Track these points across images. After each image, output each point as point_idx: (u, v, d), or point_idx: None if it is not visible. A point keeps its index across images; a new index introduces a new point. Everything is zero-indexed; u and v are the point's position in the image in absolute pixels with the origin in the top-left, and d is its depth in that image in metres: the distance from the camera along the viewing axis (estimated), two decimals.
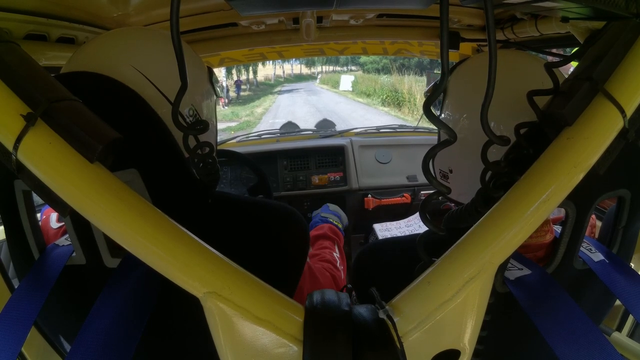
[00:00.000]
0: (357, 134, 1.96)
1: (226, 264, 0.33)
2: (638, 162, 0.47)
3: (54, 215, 0.63)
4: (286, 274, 0.62)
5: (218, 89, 0.70)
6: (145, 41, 0.58)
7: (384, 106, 12.84)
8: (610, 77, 0.37)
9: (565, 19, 0.64)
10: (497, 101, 0.42)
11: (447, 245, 0.36)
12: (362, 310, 0.34)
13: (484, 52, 1.22)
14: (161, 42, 0.58)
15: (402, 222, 1.56)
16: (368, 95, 15.05)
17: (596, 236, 0.62)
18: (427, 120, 0.36)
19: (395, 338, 0.31)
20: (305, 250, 0.65)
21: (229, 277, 0.32)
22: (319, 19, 1.13)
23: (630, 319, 0.84)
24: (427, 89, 0.94)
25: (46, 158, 0.31)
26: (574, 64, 0.48)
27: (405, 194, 1.71)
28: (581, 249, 0.49)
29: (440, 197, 0.40)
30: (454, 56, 1.32)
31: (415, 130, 2.05)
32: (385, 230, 1.51)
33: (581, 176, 0.35)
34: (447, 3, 0.31)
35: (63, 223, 0.61)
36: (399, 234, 1.48)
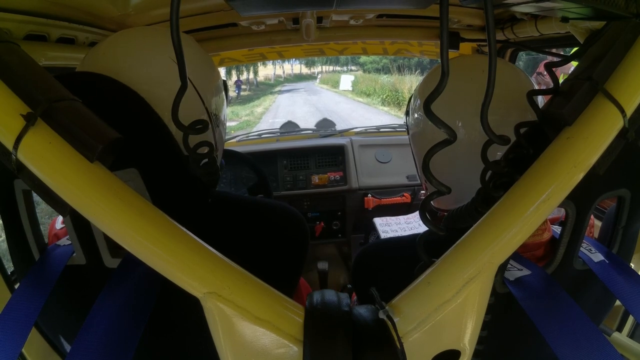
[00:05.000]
0: (357, 133, 1.96)
1: (226, 264, 0.33)
2: (638, 162, 0.47)
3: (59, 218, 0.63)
4: (287, 274, 0.62)
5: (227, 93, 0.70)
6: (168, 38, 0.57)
7: (384, 106, 12.82)
8: (610, 77, 0.37)
9: (565, 19, 0.64)
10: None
11: (447, 245, 0.36)
12: (362, 310, 0.34)
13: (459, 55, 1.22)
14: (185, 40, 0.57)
15: (401, 218, 1.58)
16: (368, 95, 15.01)
17: (594, 236, 0.62)
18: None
19: (395, 338, 0.32)
20: (305, 251, 0.65)
21: (229, 277, 0.32)
22: (319, 19, 1.13)
23: (630, 319, 0.84)
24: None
25: (46, 158, 0.31)
26: (574, 64, 0.48)
27: (405, 194, 1.72)
28: (581, 249, 0.49)
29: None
30: (453, 56, 1.32)
31: None
32: (385, 224, 1.54)
33: (581, 176, 0.35)
34: (447, 3, 0.31)
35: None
36: (398, 229, 1.51)
